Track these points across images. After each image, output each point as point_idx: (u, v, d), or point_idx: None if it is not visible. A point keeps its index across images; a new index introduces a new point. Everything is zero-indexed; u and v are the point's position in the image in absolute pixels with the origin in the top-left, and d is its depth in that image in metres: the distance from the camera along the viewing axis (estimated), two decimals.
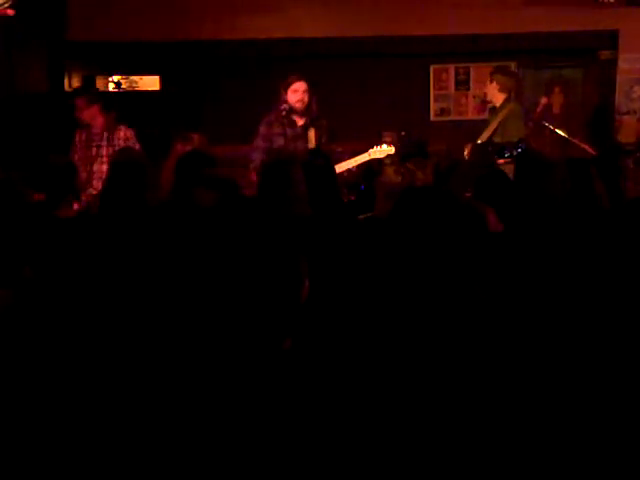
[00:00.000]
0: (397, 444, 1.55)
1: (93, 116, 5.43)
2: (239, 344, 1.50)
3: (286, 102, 4.99)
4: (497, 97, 5.67)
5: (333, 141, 5.23)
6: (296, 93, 4.97)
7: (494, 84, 5.67)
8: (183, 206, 2.60)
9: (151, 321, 2.05)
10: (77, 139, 5.53)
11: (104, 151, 5.38)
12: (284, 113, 5.00)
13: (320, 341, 1.96)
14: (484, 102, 5.73)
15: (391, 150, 5.23)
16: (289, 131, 5.00)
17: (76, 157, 5.46)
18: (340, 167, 4.88)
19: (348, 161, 5.09)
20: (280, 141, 4.99)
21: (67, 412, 1.56)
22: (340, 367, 1.68)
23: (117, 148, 5.30)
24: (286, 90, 4.99)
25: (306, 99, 4.98)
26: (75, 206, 4.31)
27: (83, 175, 5.38)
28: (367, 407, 1.57)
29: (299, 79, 4.98)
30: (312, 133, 4.98)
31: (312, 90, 5.03)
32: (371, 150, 5.21)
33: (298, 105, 4.95)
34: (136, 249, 2.59)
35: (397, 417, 1.59)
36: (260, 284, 1.50)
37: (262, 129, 5.05)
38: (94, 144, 5.47)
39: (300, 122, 5.03)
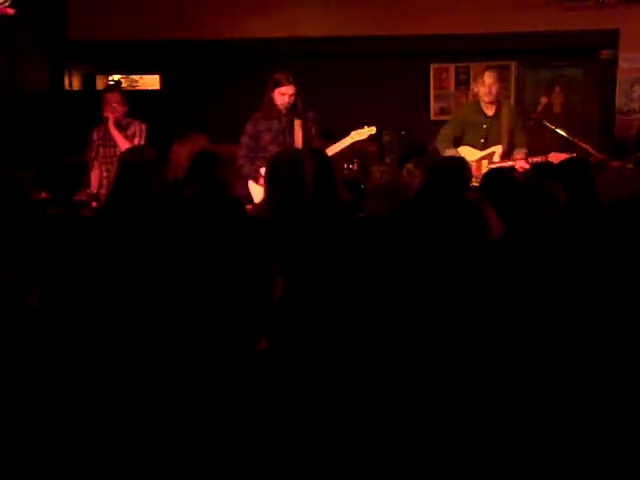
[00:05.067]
0: (380, 449, 1.54)
1: (118, 112, 5.47)
2: (207, 340, 1.49)
3: (271, 100, 4.99)
4: (499, 95, 5.64)
5: (322, 133, 5.26)
6: (283, 96, 4.96)
7: (497, 81, 5.59)
8: (169, 203, 2.61)
9: (129, 321, 2.04)
10: (95, 137, 5.56)
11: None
12: (270, 110, 5.00)
13: (310, 342, 1.96)
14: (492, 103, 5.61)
15: (372, 130, 5.28)
16: (275, 125, 5.00)
17: (93, 155, 5.50)
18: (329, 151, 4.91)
19: (331, 147, 5.10)
20: (266, 137, 5.00)
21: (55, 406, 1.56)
22: (337, 369, 1.68)
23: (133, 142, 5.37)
24: (273, 89, 4.99)
25: (292, 101, 4.99)
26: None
27: (102, 173, 5.44)
28: (354, 411, 1.56)
29: (288, 83, 4.96)
30: (298, 125, 5.00)
31: (299, 91, 5.02)
32: (353, 132, 5.26)
33: (282, 107, 4.96)
34: (131, 247, 2.59)
35: (385, 424, 1.59)
36: (228, 281, 1.49)
37: (248, 127, 5.06)
38: (111, 143, 5.50)
39: (287, 116, 5.04)
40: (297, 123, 5.00)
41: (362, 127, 5.28)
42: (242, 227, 1.53)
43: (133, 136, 5.52)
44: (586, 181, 3.74)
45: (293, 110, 5.00)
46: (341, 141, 5.25)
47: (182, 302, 1.53)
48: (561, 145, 5.74)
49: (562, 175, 3.62)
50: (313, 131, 5.09)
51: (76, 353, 1.87)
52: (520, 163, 5.31)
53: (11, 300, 1.81)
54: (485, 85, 5.53)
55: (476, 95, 5.76)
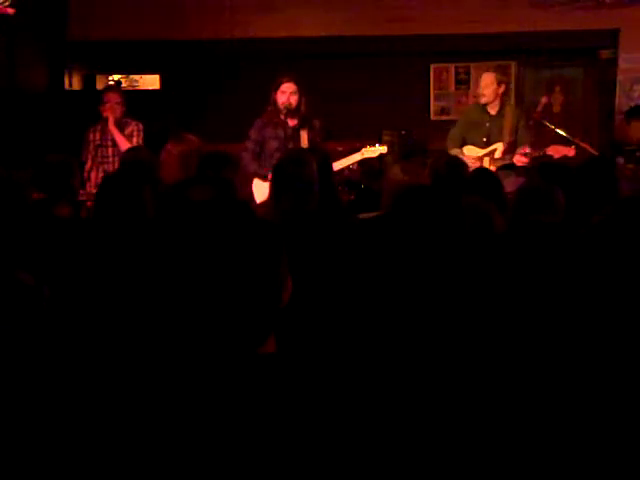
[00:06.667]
0: (388, 456, 1.53)
1: (118, 112, 5.48)
2: (212, 341, 1.48)
3: (275, 103, 4.98)
4: (498, 94, 5.65)
5: (327, 140, 5.24)
6: (284, 94, 4.95)
7: (493, 83, 5.62)
8: (176, 203, 2.61)
9: (135, 322, 2.03)
10: (91, 138, 5.56)
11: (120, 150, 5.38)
12: (274, 115, 4.99)
13: (313, 343, 1.95)
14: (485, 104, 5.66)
15: (383, 149, 5.25)
16: (281, 133, 4.97)
17: (90, 156, 5.51)
18: (334, 166, 4.88)
19: (340, 161, 5.08)
20: (272, 144, 4.97)
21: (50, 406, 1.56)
22: (335, 371, 1.67)
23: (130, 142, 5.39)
24: (275, 91, 4.98)
25: (294, 100, 4.95)
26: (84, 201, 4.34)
27: (99, 173, 5.45)
28: (360, 415, 1.55)
29: (288, 80, 4.95)
30: (304, 134, 4.97)
31: (302, 91, 5.00)
32: (364, 149, 5.23)
33: (284, 106, 4.92)
34: (132, 249, 2.59)
35: (392, 431, 1.58)
36: (240, 284, 1.48)
37: (253, 132, 5.03)
38: (110, 143, 5.51)
39: (292, 123, 4.99)
40: (303, 133, 4.97)
41: (373, 145, 5.26)
42: (254, 230, 1.51)
43: (131, 135, 5.53)
44: (612, 183, 3.67)
45: (296, 112, 4.97)
46: (350, 156, 5.22)
47: (190, 304, 1.52)
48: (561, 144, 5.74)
49: (582, 175, 3.61)
50: (318, 140, 5.05)
51: (81, 356, 1.87)
52: (518, 158, 5.33)
53: (32, 300, 1.81)
54: (479, 87, 5.73)
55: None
